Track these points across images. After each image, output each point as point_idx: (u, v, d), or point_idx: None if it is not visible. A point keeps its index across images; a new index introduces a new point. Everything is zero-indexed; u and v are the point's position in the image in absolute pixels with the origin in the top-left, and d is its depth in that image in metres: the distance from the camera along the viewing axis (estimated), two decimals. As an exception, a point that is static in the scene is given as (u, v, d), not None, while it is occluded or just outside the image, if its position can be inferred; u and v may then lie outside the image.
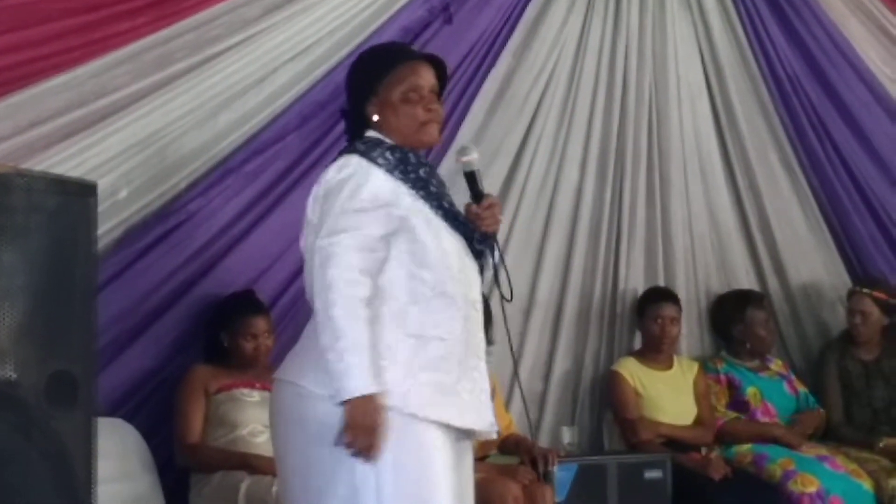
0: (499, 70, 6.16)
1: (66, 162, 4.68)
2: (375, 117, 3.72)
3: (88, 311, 3.28)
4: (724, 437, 6.12)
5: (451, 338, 3.55)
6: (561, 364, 6.31)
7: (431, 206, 3.61)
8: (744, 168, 6.63)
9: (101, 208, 3.44)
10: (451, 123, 5.93)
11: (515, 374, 5.50)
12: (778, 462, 5.83)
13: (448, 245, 3.60)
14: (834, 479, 5.70)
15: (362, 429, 3.39)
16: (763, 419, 6.20)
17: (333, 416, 3.42)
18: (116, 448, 4.59)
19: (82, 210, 3.28)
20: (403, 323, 3.51)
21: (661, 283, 6.45)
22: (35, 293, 3.09)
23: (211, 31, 5.13)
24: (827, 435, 6.32)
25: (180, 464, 5.06)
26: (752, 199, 6.65)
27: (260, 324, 5.14)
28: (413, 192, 3.58)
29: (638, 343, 6.37)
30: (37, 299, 3.09)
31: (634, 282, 6.45)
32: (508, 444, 5.58)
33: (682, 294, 6.40)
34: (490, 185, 6.01)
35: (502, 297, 3.77)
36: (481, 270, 3.74)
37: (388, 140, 3.68)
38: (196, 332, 5.22)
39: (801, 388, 6.42)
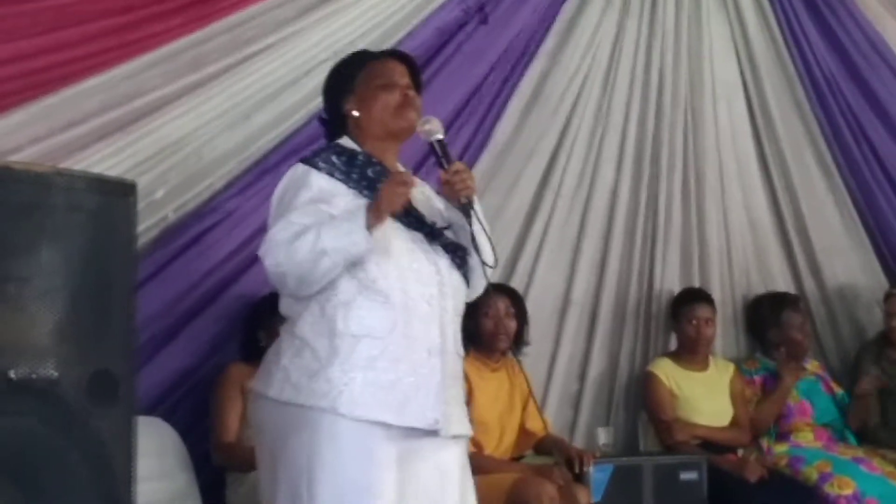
0: (534, 71, 6.16)
1: (102, 162, 4.71)
2: (355, 112, 3.74)
3: (128, 309, 3.29)
4: (761, 429, 6.10)
5: (386, 336, 3.51)
6: (596, 364, 6.31)
7: None
8: (780, 168, 6.62)
9: (138, 208, 3.44)
10: (487, 124, 5.97)
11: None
12: (814, 464, 5.80)
13: (388, 241, 3.56)
14: (870, 481, 5.66)
15: (386, 201, 3.47)
16: (799, 418, 6.17)
17: (278, 418, 3.49)
18: (154, 446, 4.60)
19: (122, 209, 3.28)
20: (335, 323, 3.50)
21: (697, 283, 6.44)
22: (75, 292, 3.10)
23: (245, 32, 5.15)
24: (863, 437, 6.28)
25: (217, 462, 5.08)
26: (788, 199, 6.64)
27: None
28: (355, 191, 3.59)
29: (673, 344, 6.35)
30: (77, 298, 3.10)
31: (670, 282, 6.44)
32: (544, 445, 5.57)
33: (717, 295, 6.39)
34: (525, 186, 6.09)
35: (483, 263, 3.74)
36: (461, 265, 3.72)
37: (350, 145, 3.71)
38: (233, 331, 5.23)
39: (839, 390, 6.38)
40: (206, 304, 5.19)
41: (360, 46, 5.44)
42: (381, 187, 3.50)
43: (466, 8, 5.82)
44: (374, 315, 3.51)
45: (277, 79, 5.30)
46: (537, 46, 6.15)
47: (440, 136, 3.71)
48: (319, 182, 3.58)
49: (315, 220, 3.47)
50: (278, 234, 3.48)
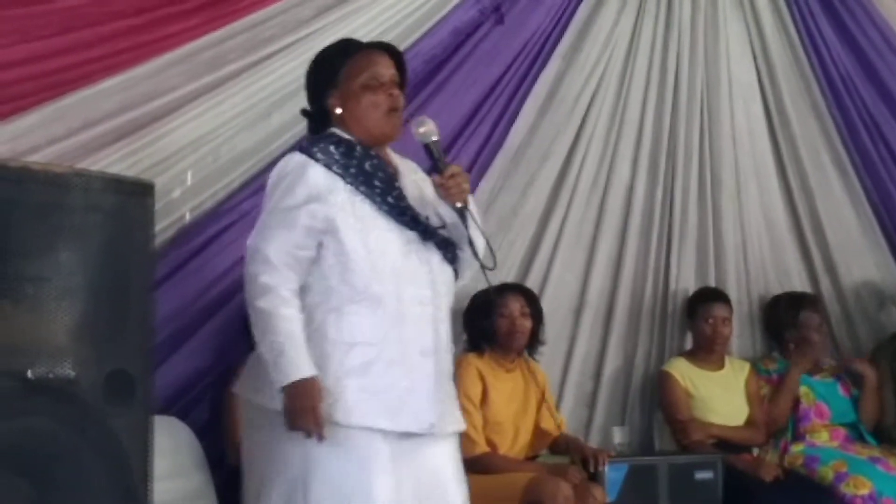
0: (550, 70, 6.16)
1: (119, 163, 4.71)
2: (338, 110, 3.70)
3: (145, 309, 3.31)
4: (777, 424, 6.10)
5: (380, 341, 3.50)
6: (611, 364, 6.30)
7: (373, 202, 3.58)
8: (796, 168, 6.60)
9: (155, 208, 3.46)
10: (503, 124, 5.96)
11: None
12: (830, 464, 5.79)
13: (384, 243, 3.55)
14: (887, 480, 5.64)
15: (301, 411, 3.41)
16: (816, 420, 6.16)
17: (270, 425, 3.47)
18: (169, 446, 4.61)
19: (140, 209, 3.30)
20: (326, 329, 3.49)
21: (712, 283, 6.43)
22: (93, 292, 3.12)
23: (264, 32, 5.17)
24: (880, 437, 6.26)
25: (232, 462, 5.08)
26: (804, 199, 6.62)
27: None
28: (351, 187, 3.55)
29: (689, 343, 6.34)
30: (95, 298, 3.12)
31: (685, 282, 6.43)
32: (559, 444, 5.57)
33: (732, 294, 6.37)
34: (541, 185, 6.08)
35: (483, 266, 3.70)
36: (452, 260, 3.70)
37: (345, 135, 3.66)
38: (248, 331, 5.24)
39: (855, 389, 6.36)
40: (222, 303, 5.20)
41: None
42: (302, 406, 3.44)
43: (483, 8, 5.82)
44: (366, 321, 3.50)
45: (296, 78, 5.25)
46: (553, 47, 6.14)
47: (435, 138, 3.69)
48: (316, 176, 3.55)
49: (296, 272, 3.50)
50: (259, 271, 3.50)
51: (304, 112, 3.87)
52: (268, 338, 3.46)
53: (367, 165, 3.61)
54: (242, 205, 5.22)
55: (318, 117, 3.79)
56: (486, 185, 5.95)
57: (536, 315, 5.61)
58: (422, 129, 3.70)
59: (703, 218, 6.47)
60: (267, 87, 5.21)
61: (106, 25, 4.75)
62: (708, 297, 6.22)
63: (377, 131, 3.70)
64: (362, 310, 3.50)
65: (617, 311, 6.34)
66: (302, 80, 5.23)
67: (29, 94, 4.59)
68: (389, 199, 3.61)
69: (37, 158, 4.34)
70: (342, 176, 3.57)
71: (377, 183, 3.61)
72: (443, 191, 3.65)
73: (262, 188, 5.19)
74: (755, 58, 6.54)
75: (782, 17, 6.48)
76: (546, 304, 5.82)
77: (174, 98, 4.94)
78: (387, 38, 5.40)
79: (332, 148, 3.61)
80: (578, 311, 6.26)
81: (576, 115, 6.23)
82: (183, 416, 4.98)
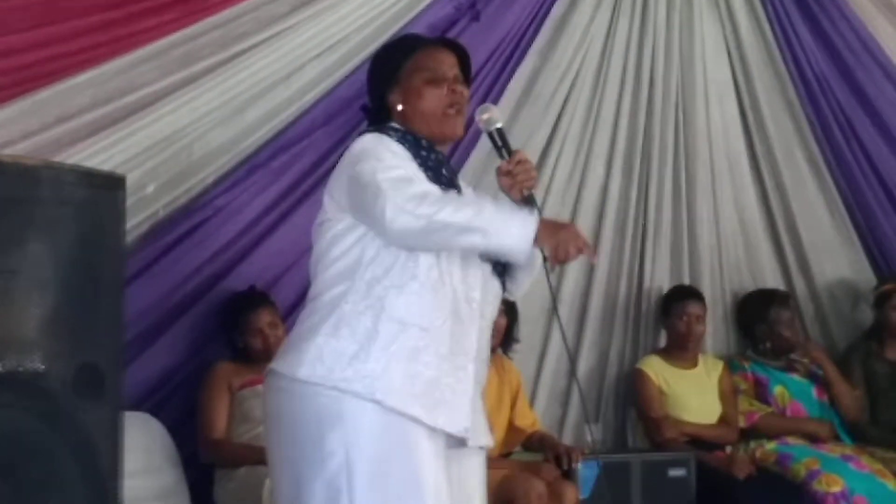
0: (525, 68, 6.15)
1: (92, 157, 4.70)
2: (400, 107, 3.55)
3: (116, 304, 3.29)
4: (758, 432, 6.11)
5: (433, 329, 3.34)
6: (586, 362, 6.31)
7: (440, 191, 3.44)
8: (770, 167, 6.61)
9: (128, 203, 3.43)
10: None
11: (572, 371, 5.88)
12: (802, 461, 5.79)
13: None
14: (859, 478, 5.65)
15: (561, 240, 3.31)
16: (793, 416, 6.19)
17: (309, 403, 3.30)
18: (142, 442, 4.61)
19: (111, 203, 3.29)
20: (383, 303, 3.32)
21: (687, 281, 6.44)
22: (63, 286, 3.10)
23: (238, 27, 5.15)
24: (852, 435, 6.29)
25: (205, 459, 5.07)
26: (779, 198, 6.64)
27: (262, 317, 5.14)
28: (421, 168, 3.42)
29: (663, 341, 6.36)
30: (65, 292, 3.10)
31: (660, 280, 6.44)
32: (533, 441, 5.58)
33: (707, 292, 6.39)
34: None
35: (545, 259, 3.44)
36: (501, 273, 3.55)
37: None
38: (222, 327, 5.24)
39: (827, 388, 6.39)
40: (195, 300, 5.20)
41: (352, 42, 5.48)
42: (563, 229, 3.36)
43: (458, 5, 5.80)
44: (425, 305, 3.34)
45: (270, 74, 5.30)
46: (529, 43, 6.13)
47: (499, 125, 3.53)
48: (394, 146, 3.41)
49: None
50: (399, 190, 3.26)
51: (364, 108, 3.72)
52: (475, 223, 3.25)
53: (432, 157, 3.50)
54: (216, 201, 5.23)
55: (377, 114, 3.63)
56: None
57: (511, 312, 5.61)
58: (485, 116, 3.54)
59: (678, 216, 6.48)
60: (241, 83, 5.20)
61: (83, 19, 4.73)
62: (682, 295, 6.24)
63: (437, 130, 3.55)
64: (424, 291, 3.34)
65: (591, 309, 6.34)
66: (275, 76, 5.31)
67: (5, 87, 4.57)
68: (452, 194, 3.48)
69: (11, 152, 4.32)
70: (413, 157, 3.44)
71: (444, 172, 3.50)
72: (509, 178, 3.47)
73: (235, 184, 5.27)
74: (730, 57, 6.54)
75: (757, 16, 6.48)
76: (520, 302, 5.79)
77: (148, 93, 4.93)
78: (362, 34, 5.44)
79: (399, 136, 3.48)
80: (552, 309, 6.25)
81: (551, 112, 6.22)
82: (156, 412, 4.98)
